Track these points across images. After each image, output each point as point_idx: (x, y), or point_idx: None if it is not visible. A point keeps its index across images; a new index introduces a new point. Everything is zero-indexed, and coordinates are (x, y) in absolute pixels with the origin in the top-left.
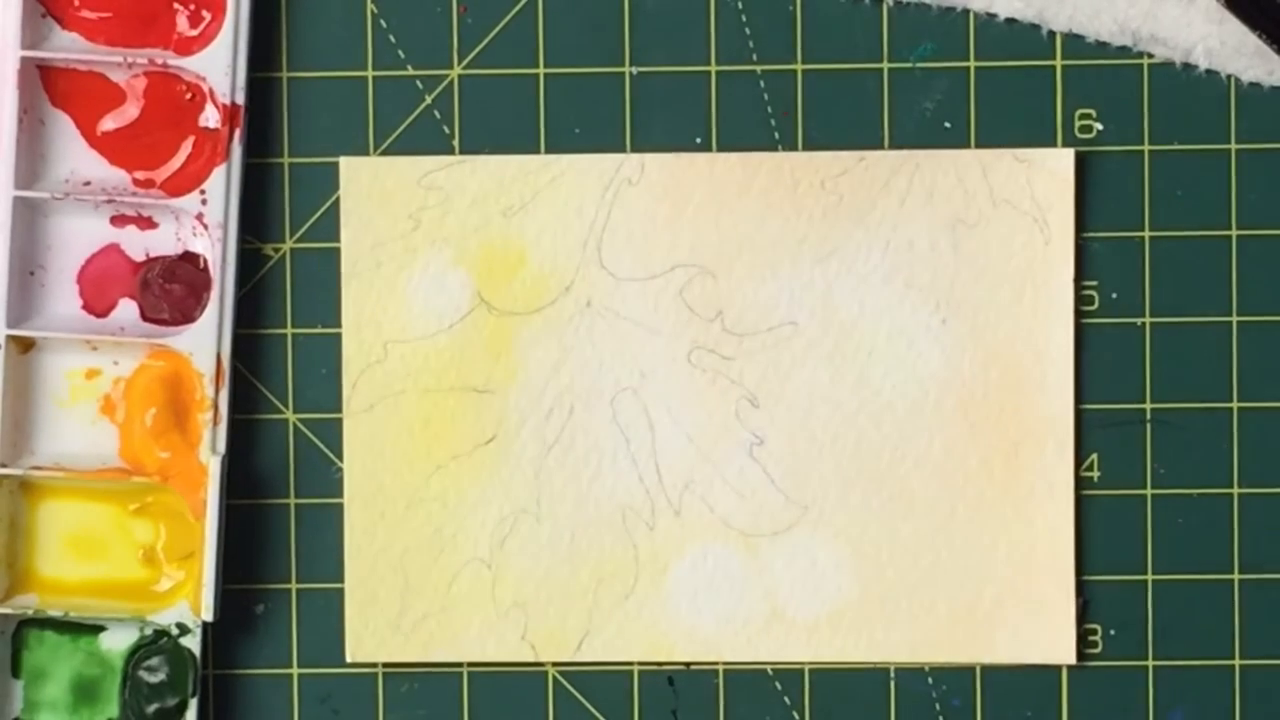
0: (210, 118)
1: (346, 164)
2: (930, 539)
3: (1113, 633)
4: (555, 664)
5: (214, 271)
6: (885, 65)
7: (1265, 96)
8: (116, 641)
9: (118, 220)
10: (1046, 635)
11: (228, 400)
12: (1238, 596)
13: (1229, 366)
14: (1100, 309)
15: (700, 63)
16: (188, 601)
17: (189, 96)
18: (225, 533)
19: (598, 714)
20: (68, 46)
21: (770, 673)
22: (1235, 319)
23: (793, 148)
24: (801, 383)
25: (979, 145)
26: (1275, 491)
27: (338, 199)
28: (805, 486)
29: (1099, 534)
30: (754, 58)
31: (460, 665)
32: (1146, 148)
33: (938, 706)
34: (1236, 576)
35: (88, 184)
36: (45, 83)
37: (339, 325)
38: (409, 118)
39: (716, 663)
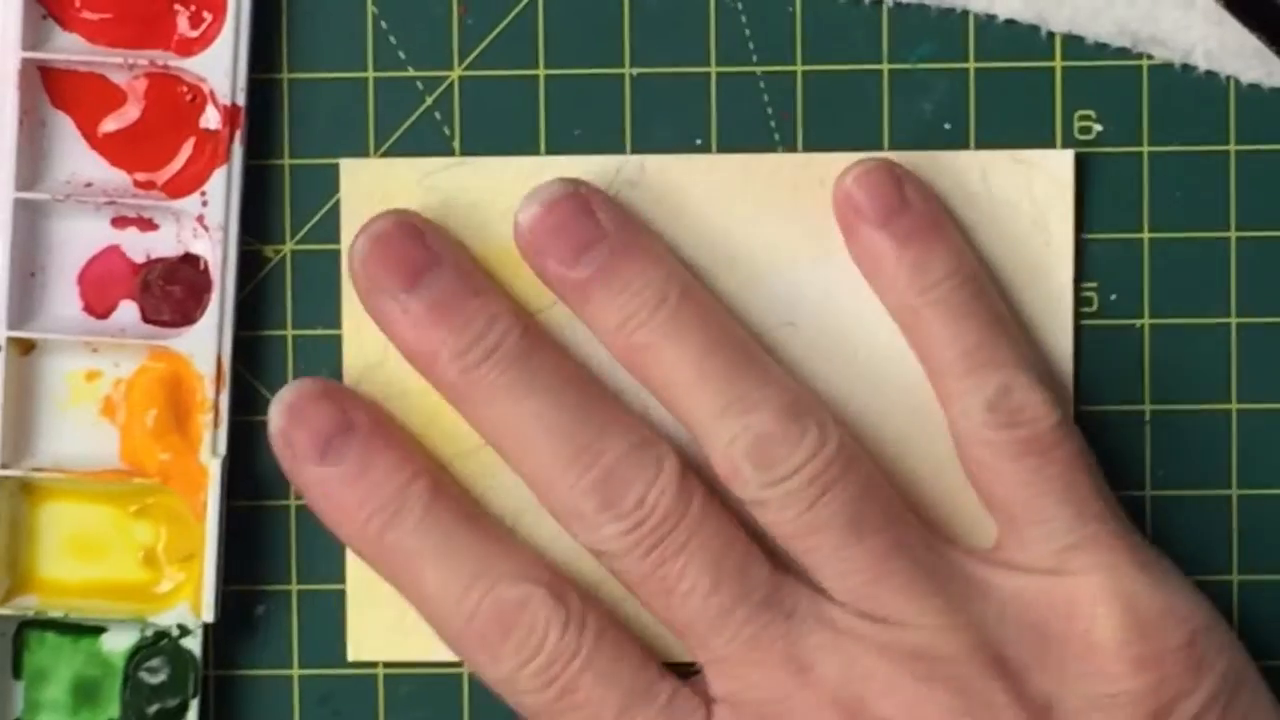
0: (211, 119)
1: (347, 165)
2: None
3: None
4: None
5: (214, 273)
6: (885, 66)
7: (1264, 98)
8: (117, 643)
9: (118, 222)
10: None
11: (228, 402)
12: (1237, 597)
13: (1228, 368)
14: (1100, 310)
15: (700, 64)
16: (188, 603)
17: (190, 98)
18: (226, 534)
19: None
20: (68, 48)
21: None
22: (1234, 320)
23: (793, 149)
24: (801, 383)
25: (978, 146)
26: (1275, 492)
27: (338, 200)
28: None
29: None
30: (754, 59)
31: (460, 665)
32: (1146, 149)
33: None
34: (1236, 577)
35: (88, 185)
36: (46, 84)
37: (339, 327)
38: (409, 119)
39: None
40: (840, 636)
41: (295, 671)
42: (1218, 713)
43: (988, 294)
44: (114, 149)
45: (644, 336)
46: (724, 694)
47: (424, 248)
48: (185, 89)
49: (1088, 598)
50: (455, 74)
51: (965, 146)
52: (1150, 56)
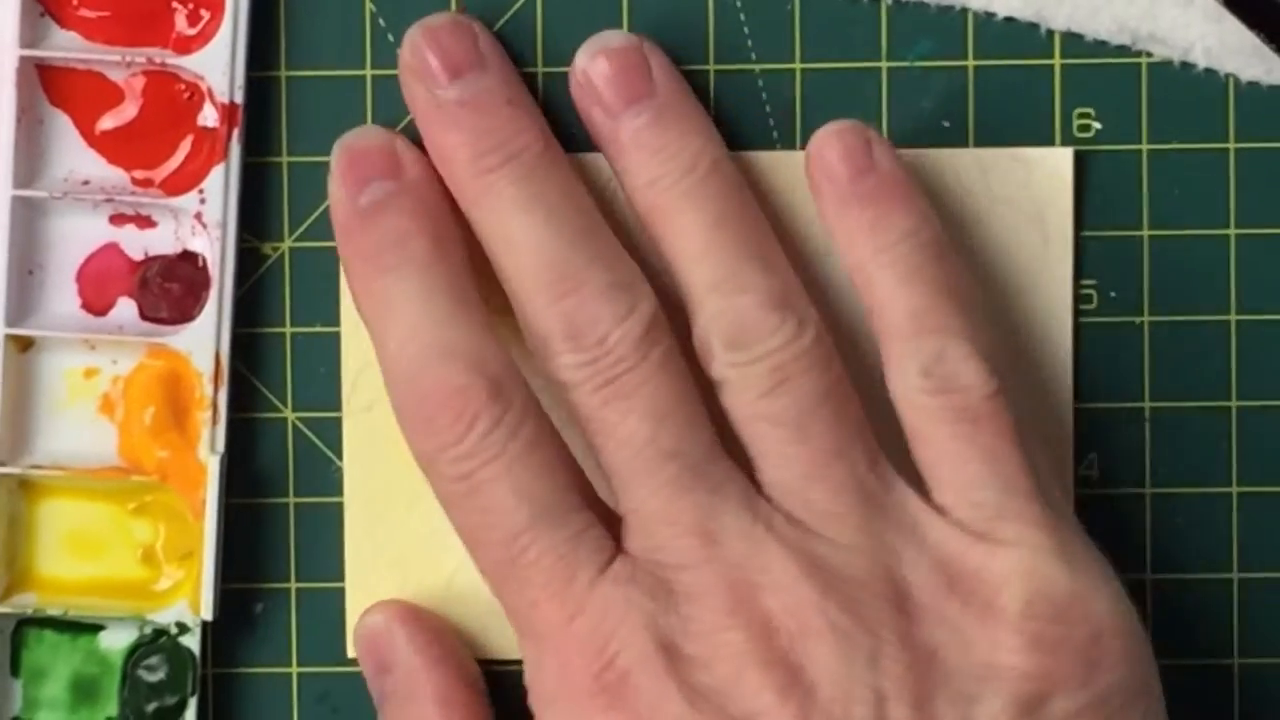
0: (209, 116)
1: None
2: None
3: None
4: None
5: (213, 270)
6: (884, 64)
7: (1263, 95)
8: (116, 640)
9: (116, 219)
10: None
11: (226, 399)
12: (1237, 596)
13: (1228, 365)
14: (1099, 308)
15: (699, 62)
16: (187, 600)
17: (187, 95)
18: (224, 532)
19: None
20: (66, 45)
21: None
22: (1234, 318)
23: (792, 147)
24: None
25: (977, 144)
26: (1274, 490)
27: None
28: None
29: (1098, 533)
30: (753, 56)
31: None
32: (1145, 146)
33: None
34: (1236, 575)
35: (86, 183)
36: (44, 82)
37: (338, 324)
38: (407, 116)
39: None
40: (755, 525)
41: (294, 669)
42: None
43: (944, 262)
44: (112, 146)
45: (665, 200)
46: (631, 547)
47: (473, 48)
48: (183, 87)
49: (1001, 567)
50: None
51: (964, 144)
52: (1149, 54)
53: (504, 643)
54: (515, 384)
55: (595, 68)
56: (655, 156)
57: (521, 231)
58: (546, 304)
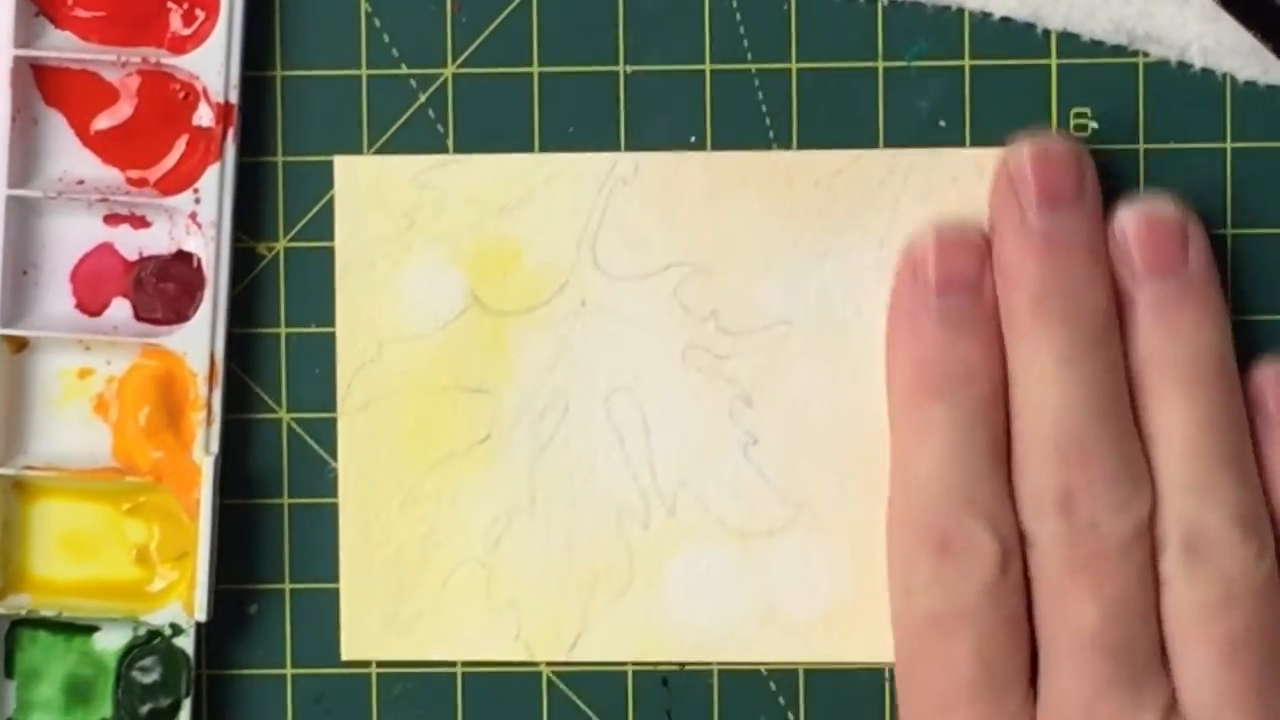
0: (204, 116)
1: (341, 163)
2: None
3: None
4: (549, 663)
5: (207, 270)
6: (880, 64)
7: (1260, 95)
8: (110, 642)
9: (111, 219)
10: None
11: (221, 400)
12: None
13: None
14: None
15: (695, 61)
16: (181, 601)
17: (182, 95)
18: (219, 532)
19: (592, 714)
20: (61, 45)
21: (765, 673)
22: (1233, 318)
23: (787, 147)
24: (796, 382)
25: (974, 144)
26: None
27: (332, 198)
28: (800, 486)
29: None
30: (749, 56)
31: (454, 665)
32: (1142, 146)
33: None
34: None
35: (81, 183)
36: (38, 81)
37: (333, 324)
38: (403, 116)
39: (711, 663)
40: None
41: (288, 671)
42: None
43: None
44: (106, 146)
45: (1160, 380)
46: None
47: (1077, 181)
48: (178, 86)
49: None
50: (449, 71)
51: (961, 144)
52: (1146, 54)
53: (499, 645)
54: (1018, 556)
55: (1133, 227)
56: (1165, 333)
57: (1057, 388)
58: (1054, 467)
